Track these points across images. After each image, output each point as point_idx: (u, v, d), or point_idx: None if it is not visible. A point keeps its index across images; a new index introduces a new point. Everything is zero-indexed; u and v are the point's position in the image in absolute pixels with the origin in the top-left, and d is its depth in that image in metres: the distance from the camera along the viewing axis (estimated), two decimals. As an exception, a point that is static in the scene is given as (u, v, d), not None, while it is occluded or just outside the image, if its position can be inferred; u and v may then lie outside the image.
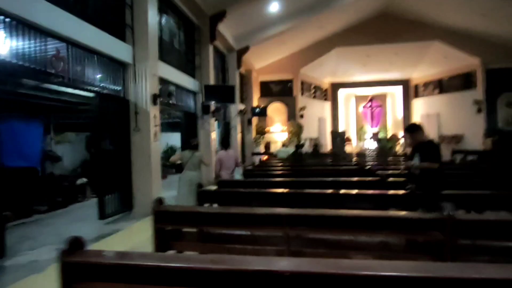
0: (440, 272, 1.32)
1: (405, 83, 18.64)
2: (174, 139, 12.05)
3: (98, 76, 5.43)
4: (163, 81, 7.13)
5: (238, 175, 6.77)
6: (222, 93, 9.74)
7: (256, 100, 16.58)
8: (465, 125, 14.78)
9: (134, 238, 4.79)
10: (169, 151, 12.96)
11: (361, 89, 19.67)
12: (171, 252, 2.94)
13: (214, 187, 5.53)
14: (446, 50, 14.66)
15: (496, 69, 13.99)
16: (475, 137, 14.08)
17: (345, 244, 2.61)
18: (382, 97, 19.94)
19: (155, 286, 1.62)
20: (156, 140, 6.36)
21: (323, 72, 17.73)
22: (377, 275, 1.34)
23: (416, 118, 18.28)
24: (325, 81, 19.03)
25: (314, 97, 18.42)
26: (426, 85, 17.73)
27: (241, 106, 14.00)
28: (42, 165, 9.42)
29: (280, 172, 6.69)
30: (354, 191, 3.77)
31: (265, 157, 13.75)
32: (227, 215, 2.62)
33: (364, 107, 20.04)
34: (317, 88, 18.63)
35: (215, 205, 4.01)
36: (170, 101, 7.45)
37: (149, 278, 1.64)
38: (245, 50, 12.93)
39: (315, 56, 16.25)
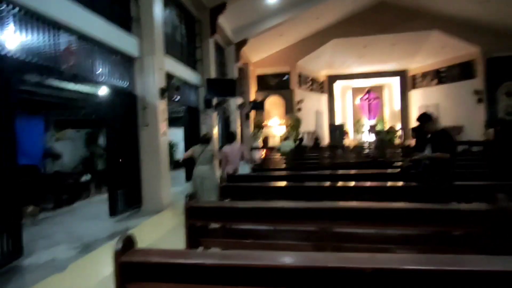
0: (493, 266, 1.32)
1: (402, 74, 18.71)
2: (175, 134, 11.92)
3: (106, 70, 5.30)
4: (168, 75, 7.01)
5: (246, 170, 6.72)
6: (223, 86, 9.64)
7: (253, 93, 16.49)
8: (465, 116, 14.73)
9: (150, 235, 4.74)
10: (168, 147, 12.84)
11: (358, 81, 19.71)
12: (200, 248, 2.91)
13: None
14: (445, 40, 14.64)
15: (496, 58, 13.90)
16: (475, 128, 13.90)
17: (379, 239, 2.61)
18: (379, 89, 20.02)
19: (215, 286, 1.59)
20: (164, 135, 6.27)
21: (320, 64, 17.70)
22: (438, 270, 1.32)
23: (414, 110, 18.42)
24: (322, 74, 19.01)
25: (311, 90, 18.40)
26: (424, 75, 17.80)
27: (239, 100, 13.91)
28: (42, 162, 9.25)
29: (310, 165, 6.51)
30: (380, 184, 3.77)
31: (264, 152, 13.70)
32: (262, 209, 2.60)
33: (361, 99, 20.11)
34: (313, 80, 18.60)
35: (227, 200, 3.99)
36: (177, 95, 7.34)
37: (207, 277, 1.60)
38: (243, 43, 12.81)
39: (312, 48, 16.17)
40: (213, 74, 9.82)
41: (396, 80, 18.99)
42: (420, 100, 17.96)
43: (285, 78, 16.91)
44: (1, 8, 3.46)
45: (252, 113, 15.73)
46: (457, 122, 15.00)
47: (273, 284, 1.47)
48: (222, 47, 12.26)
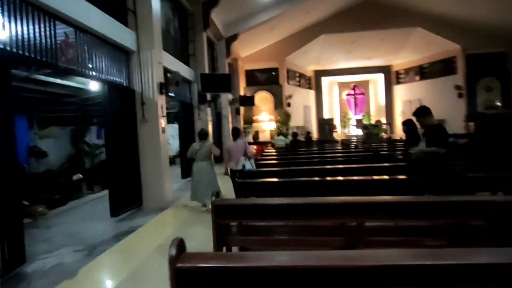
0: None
1: (386, 70, 19.08)
2: (168, 131, 11.64)
3: (103, 64, 5.05)
4: (164, 70, 6.79)
5: (248, 166, 6.63)
6: (218, 81, 9.48)
7: (242, 89, 16.35)
8: (446, 110, 15.27)
9: (159, 235, 4.58)
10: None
11: (344, 77, 19.92)
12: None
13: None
14: (427, 37, 15.06)
15: (475, 55, 14.57)
16: (456, 121, 14.58)
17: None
18: (365, 84, 20.32)
19: None
20: (164, 131, 6.08)
21: (308, 60, 17.75)
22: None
23: (398, 104, 18.85)
24: (309, 69, 19.09)
25: (299, 85, 18.46)
26: (407, 71, 18.24)
27: (230, 96, 13.74)
28: (27, 162, 8.81)
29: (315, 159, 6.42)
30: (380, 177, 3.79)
31: (255, 147, 13.62)
32: (297, 206, 2.53)
33: (347, 94, 20.35)
34: (301, 76, 18.66)
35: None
36: (177, 91, 7.13)
37: (271, 281, 1.52)
38: (234, 38, 12.63)
39: (301, 43, 16.19)
40: (206, 69, 9.63)
41: (381, 76, 19.34)
42: (403, 95, 18.42)
43: (273, 73, 16.85)
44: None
45: (242, 109, 15.60)
46: (439, 116, 15.43)
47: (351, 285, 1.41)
48: (213, 42, 12.04)
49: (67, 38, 4.17)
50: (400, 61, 18.25)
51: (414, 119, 4.49)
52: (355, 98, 20.18)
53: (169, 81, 6.08)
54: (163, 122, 6.03)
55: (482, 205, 2.56)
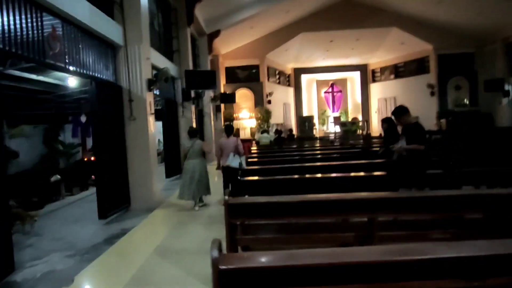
0: None
1: (363, 68, 19.59)
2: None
3: (90, 59, 4.80)
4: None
5: (236, 163, 6.57)
6: (202, 78, 9.30)
7: (222, 86, 16.18)
8: (420, 107, 15.94)
9: (155, 236, 4.42)
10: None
11: (323, 75, 20.24)
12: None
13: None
14: (403, 37, 15.62)
15: (446, 55, 15.30)
16: (428, 118, 15.23)
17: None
18: (343, 82, 20.75)
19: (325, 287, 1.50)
20: (152, 129, 5.88)
21: (287, 58, 17.87)
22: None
23: (374, 102, 19.44)
24: (288, 67, 19.23)
25: (279, 82, 18.55)
26: (382, 70, 18.84)
27: (212, 93, 13.57)
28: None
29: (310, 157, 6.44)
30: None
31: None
32: (310, 203, 2.52)
33: (325, 92, 20.69)
34: (281, 73, 18.76)
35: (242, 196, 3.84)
36: (167, 87, 6.92)
37: (317, 278, 1.50)
38: (216, 34, 12.46)
39: (281, 41, 16.25)
40: (190, 65, 9.43)
41: (358, 74, 19.84)
42: (379, 93, 19.02)
43: (254, 70, 16.81)
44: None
45: (222, 106, 15.45)
46: (413, 113, 15.95)
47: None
48: (195, 38, 11.80)
49: (55, 31, 3.91)
50: (376, 60, 18.81)
51: (392, 117, 4.68)
52: (333, 96, 20.56)
53: (158, 78, 5.88)
54: (151, 119, 5.83)
55: (481, 198, 2.69)
